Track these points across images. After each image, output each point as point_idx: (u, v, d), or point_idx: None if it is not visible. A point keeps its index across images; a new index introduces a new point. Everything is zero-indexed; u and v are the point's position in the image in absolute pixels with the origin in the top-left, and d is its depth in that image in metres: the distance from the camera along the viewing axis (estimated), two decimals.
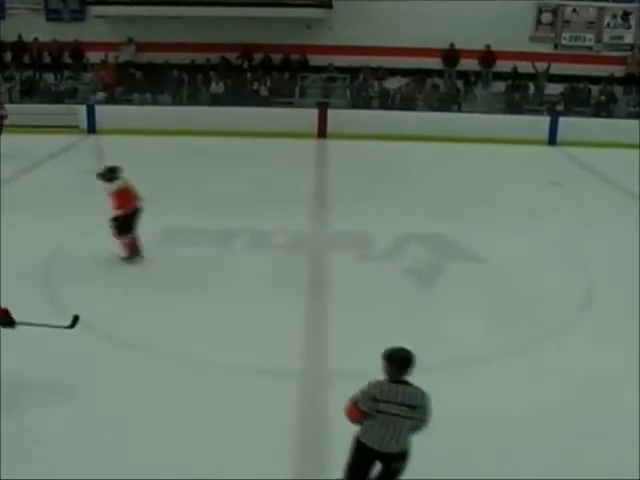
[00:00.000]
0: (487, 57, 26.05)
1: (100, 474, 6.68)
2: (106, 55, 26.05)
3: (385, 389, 5.77)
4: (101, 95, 25.05)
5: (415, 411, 5.77)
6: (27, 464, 6.80)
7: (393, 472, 5.98)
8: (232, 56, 26.32)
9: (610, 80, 25.69)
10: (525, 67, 25.38)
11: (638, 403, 7.90)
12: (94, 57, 26.11)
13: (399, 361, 5.85)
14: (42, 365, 8.64)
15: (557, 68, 25.37)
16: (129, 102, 25.25)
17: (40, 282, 11.13)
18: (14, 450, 6.89)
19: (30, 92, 25.21)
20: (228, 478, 6.62)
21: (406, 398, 5.75)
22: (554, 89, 25.40)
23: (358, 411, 5.81)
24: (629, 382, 8.54)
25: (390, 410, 5.73)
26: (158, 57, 25.92)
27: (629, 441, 7.23)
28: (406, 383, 5.83)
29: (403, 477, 5.89)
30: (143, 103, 25.17)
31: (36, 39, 25.94)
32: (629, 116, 24.65)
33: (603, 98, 25.16)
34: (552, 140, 23.76)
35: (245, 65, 26.44)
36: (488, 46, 25.68)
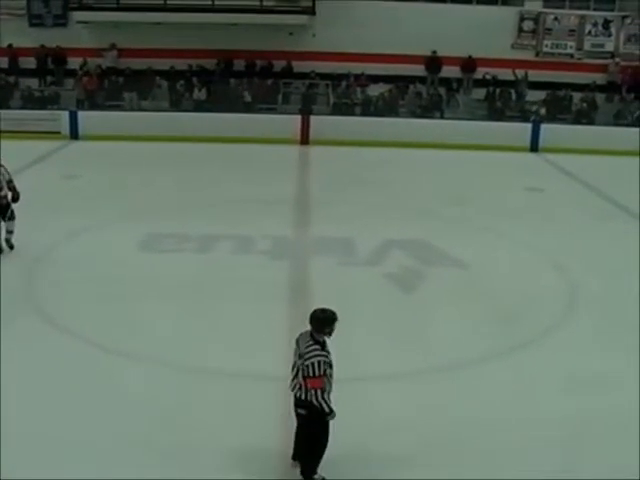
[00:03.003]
0: (467, 64, 26.24)
1: (102, 474, 6.74)
2: (85, 60, 26.05)
3: (300, 335, 6.62)
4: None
5: (301, 359, 6.43)
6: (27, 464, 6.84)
7: (300, 419, 6.61)
8: (213, 63, 26.33)
9: (591, 88, 25.89)
10: (507, 74, 25.55)
11: (638, 403, 7.95)
12: (76, 63, 26.08)
13: (310, 318, 6.55)
14: (36, 371, 8.65)
15: (539, 75, 25.56)
16: (112, 108, 25.17)
17: (25, 287, 11.08)
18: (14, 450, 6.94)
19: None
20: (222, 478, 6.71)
21: (301, 345, 6.51)
22: (536, 96, 25.54)
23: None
24: (619, 382, 8.62)
25: (295, 352, 6.59)
26: (140, 63, 25.92)
27: (628, 441, 7.27)
28: (312, 336, 6.49)
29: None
30: (130, 104, 25.17)
31: (10, 45, 25.93)
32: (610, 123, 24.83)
33: (584, 105, 25.33)
34: (534, 147, 23.89)
35: (226, 71, 26.43)
36: (470, 56, 25.87)
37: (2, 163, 12.61)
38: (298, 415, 6.64)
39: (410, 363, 9.13)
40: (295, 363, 6.57)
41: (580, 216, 16.11)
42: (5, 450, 6.88)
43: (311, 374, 6.34)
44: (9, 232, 12.61)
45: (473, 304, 11.00)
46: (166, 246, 13.32)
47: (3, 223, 12.55)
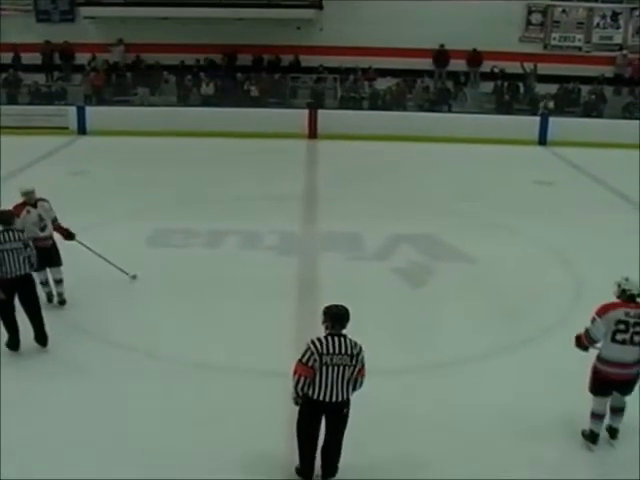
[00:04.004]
0: (474, 57, 26.17)
1: (102, 473, 6.73)
2: (94, 56, 26.10)
3: (327, 343, 6.33)
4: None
5: (354, 359, 6.36)
6: (27, 464, 6.85)
7: (343, 418, 6.51)
8: (220, 57, 26.33)
9: (600, 80, 25.77)
10: (515, 67, 25.46)
11: (638, 401, 7.92)
12: (84, 58, 26.12)
13: (335, 316, 6.40)
14: (43, 368, 8.67)
15: (547, 68, 25.44)
16: (120, 103, 25.17)
17: None
18: (15, 450, 6.94)
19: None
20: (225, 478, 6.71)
21: (347, 348, 6.34)
22: (545, 89, 25.43)
23: (307, 367, 6.32)
24: None
25: (335, 361, 6.31)
26: (148, 58, 25.99)
27: (628, 440, 7.25)
28: (343, 336, 6.39)
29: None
30: (141, 99, 25.19)
31: (15, 44, 25.92)
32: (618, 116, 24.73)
33: (593, 98, 25.23)
34: (542, 140, 23.83)
35: (232, 66, 26.42)
36: (474, 49, 25.82)
37: (44, 197, 10.44)
38: (343, 415, 6.51)
39: (414, 359, 9.13)
40: (335, 371, 6.34)
41: (588, 209, 16.05)
42: (5, 450, 6.87)
43: (364, 363, 6.46)
44: (58, 282, 10.37)
45: (480, 300, 10.95)
46: (174, 242, 13.34)
47: (48, 270, 10.27)
